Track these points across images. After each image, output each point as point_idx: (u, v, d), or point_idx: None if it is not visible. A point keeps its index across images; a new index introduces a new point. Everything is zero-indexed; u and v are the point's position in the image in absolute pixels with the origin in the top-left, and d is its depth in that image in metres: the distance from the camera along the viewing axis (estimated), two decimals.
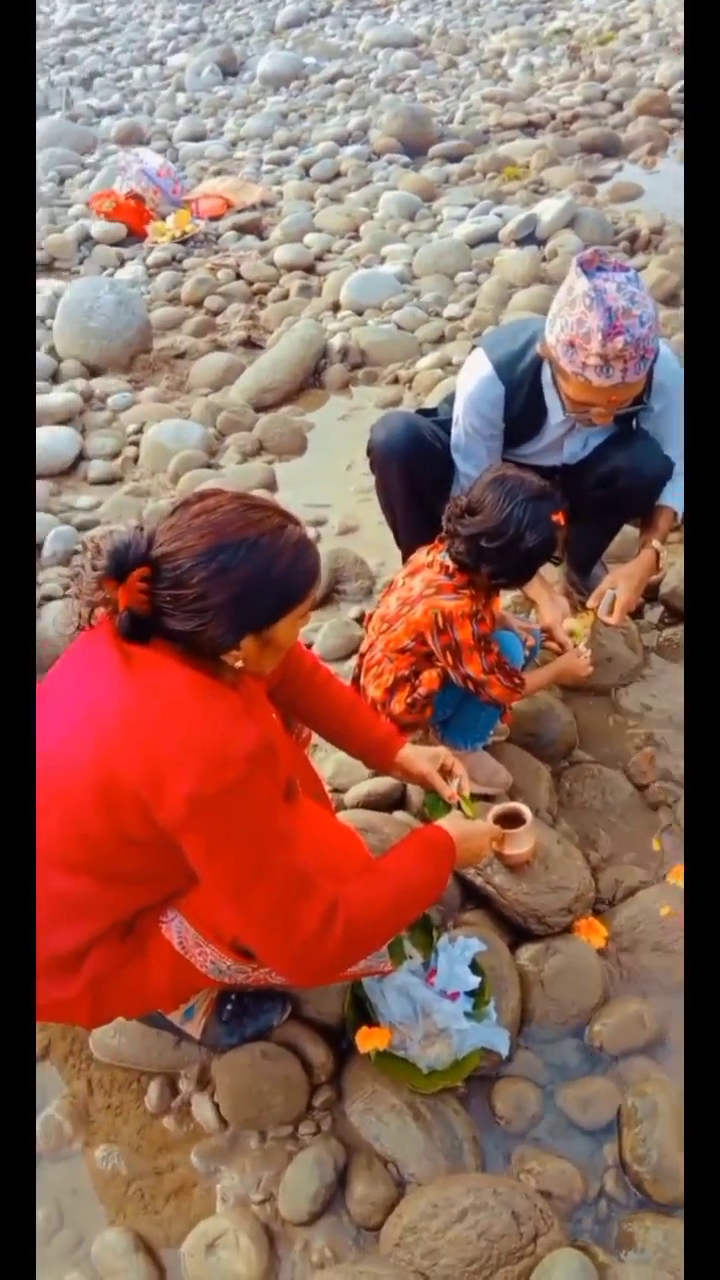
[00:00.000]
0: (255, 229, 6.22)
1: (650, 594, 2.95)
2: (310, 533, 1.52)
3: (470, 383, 2.32)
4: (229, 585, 1.35)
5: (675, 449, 2.38)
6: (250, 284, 5.43)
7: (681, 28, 9.31)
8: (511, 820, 2.00)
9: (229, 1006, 1.84)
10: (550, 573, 2.39)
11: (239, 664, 1.44)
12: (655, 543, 2.45)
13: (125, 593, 1.35)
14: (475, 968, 1.85)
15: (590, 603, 2.45)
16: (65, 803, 1.40)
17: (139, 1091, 1.86)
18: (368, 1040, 1.76)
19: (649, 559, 2.45)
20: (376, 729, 1.94)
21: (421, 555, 2.18)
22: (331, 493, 3.67)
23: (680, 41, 8.86)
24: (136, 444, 4.06)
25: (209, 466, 3.88)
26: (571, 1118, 1.75)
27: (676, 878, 2.05)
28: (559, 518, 1.95)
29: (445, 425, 2.48)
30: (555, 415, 2.30)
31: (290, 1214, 1.66)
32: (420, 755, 1.92)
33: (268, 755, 1.38)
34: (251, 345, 4.87)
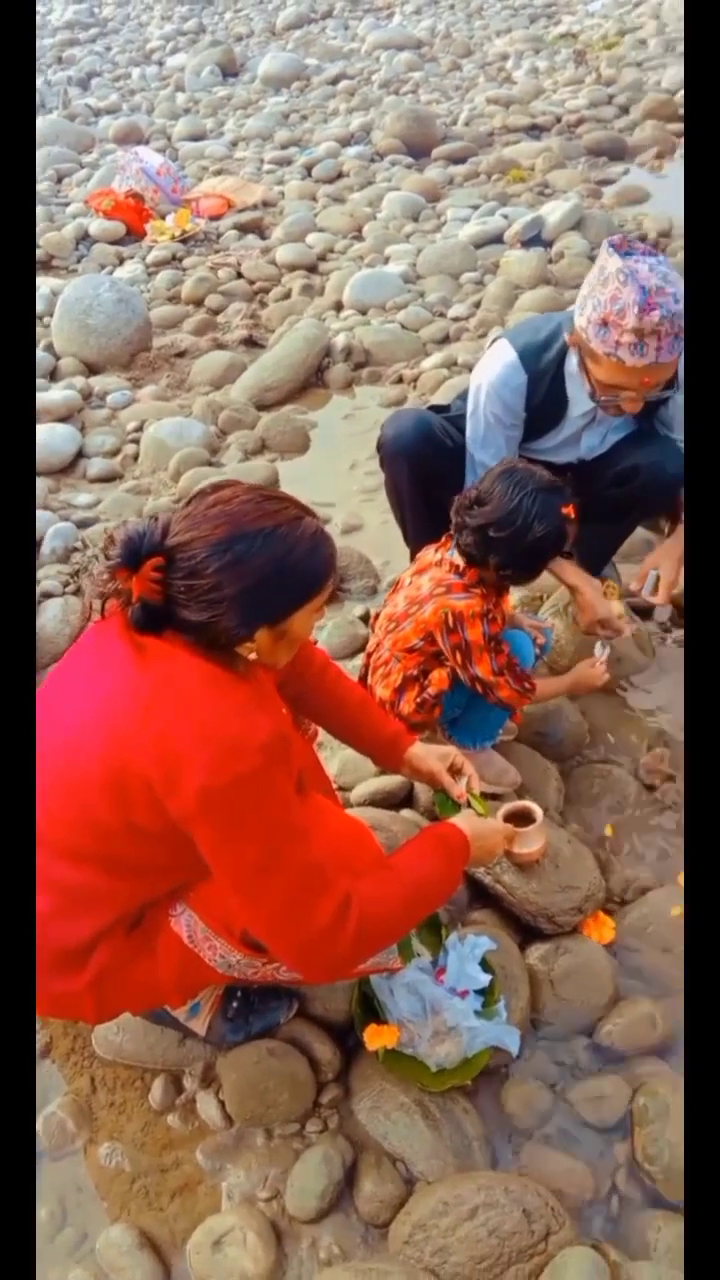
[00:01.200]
0: (257, 228, 6.21)
1: None
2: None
3: (493, 370, 2.30)
4: (244, 576, 1.34)
5: None
6: (252, 283, 5.43)
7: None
8: (521, 819, 1.99)
9: (235, 1004, 1.82)
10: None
11: (252, 656, 1.43)
12: None
13: (139, 582, 1.34)
14: (485, 966, 1.84)
15: (634, 585, 2.45)
16: (76, 792, 1.39)
17: (142, 1089, 1.85)
18: (376, 1038, 1.74)
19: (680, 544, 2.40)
20: (385, 727, 1.93)
21: (429, 553, 2.17)
22: (335, 491, 3.66)
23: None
24: (136, 442, 4.05)
25: (210, 464, 3.86)
26: (582, 1116, 1.74)
27: None
28: (569, 510, 1.94)
29: (456, 421, 2.46)
30: (577, 407, 2.28)
31: (297, 1211, 1.64)
32: (429, 754, 1.91)
33: (281, 747, 1.37)
34: (253, 344, 4.86)
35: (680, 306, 1.94)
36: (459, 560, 2.04)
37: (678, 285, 1.95)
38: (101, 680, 1.41)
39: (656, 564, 2.41)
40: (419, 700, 2.13)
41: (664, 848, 2.22)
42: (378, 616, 2.25)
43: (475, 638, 2.00)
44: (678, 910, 2.00)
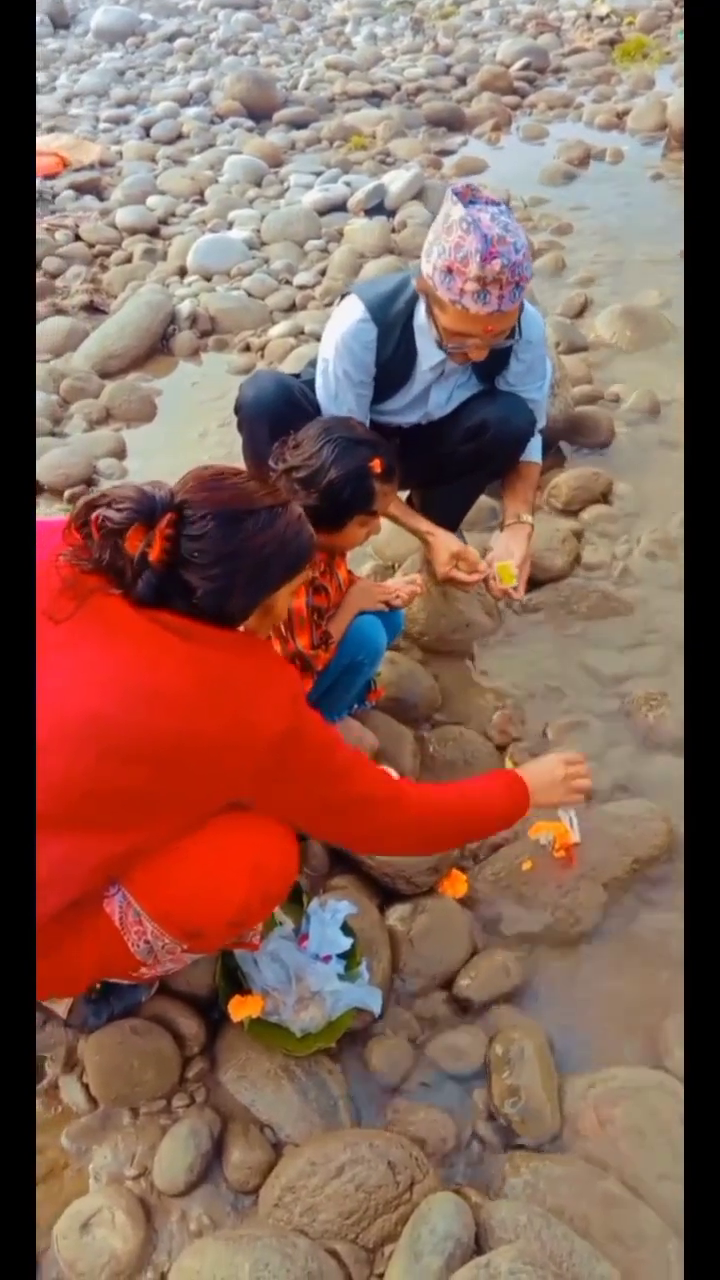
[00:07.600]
0: (94, 189, 6.01)
1: None
2: None
3: (344, 325, 2.29)
4: (255, 550, 1.39)
5: (540, 407, 2.51)
6: (91, 246, 5.26)
7: (521, 6, 9.48)
8: None
9: (97, 985, 1.79)
10: None
11: (241, 629, 1.47)
12: (526, 516, 2.53)
13: (157, 538, 1.34)
14: (346, 930, 1.87)
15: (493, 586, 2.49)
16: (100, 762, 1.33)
17: None
18: (240, 1009, 1.75)
19: (524, 534, 2.51)
20: None
21: None
22: (184, 462, 3.50)
23: (520, 20, 9.02)
24: None
25: (53, 435, 3.74)
26: (443, 1067, 1.79)
27: (536, 832, 2.11)
28: (375, 464, 1.93)
29: (313, 386, 2.46)
30: (426, 360, 2.30)
31: (166, 1186, 1.64)
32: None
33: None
34: (95, 310, 4.72)
35: (520, 256, 1.97)
36: None
37: (518, 234, 1.99)
38: (120, 654, 1.36)
39: (503, 555, 2.46)
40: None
41: None
42: None
43: (298, 606, 1.97)
44: (529, 864, 2.07)
